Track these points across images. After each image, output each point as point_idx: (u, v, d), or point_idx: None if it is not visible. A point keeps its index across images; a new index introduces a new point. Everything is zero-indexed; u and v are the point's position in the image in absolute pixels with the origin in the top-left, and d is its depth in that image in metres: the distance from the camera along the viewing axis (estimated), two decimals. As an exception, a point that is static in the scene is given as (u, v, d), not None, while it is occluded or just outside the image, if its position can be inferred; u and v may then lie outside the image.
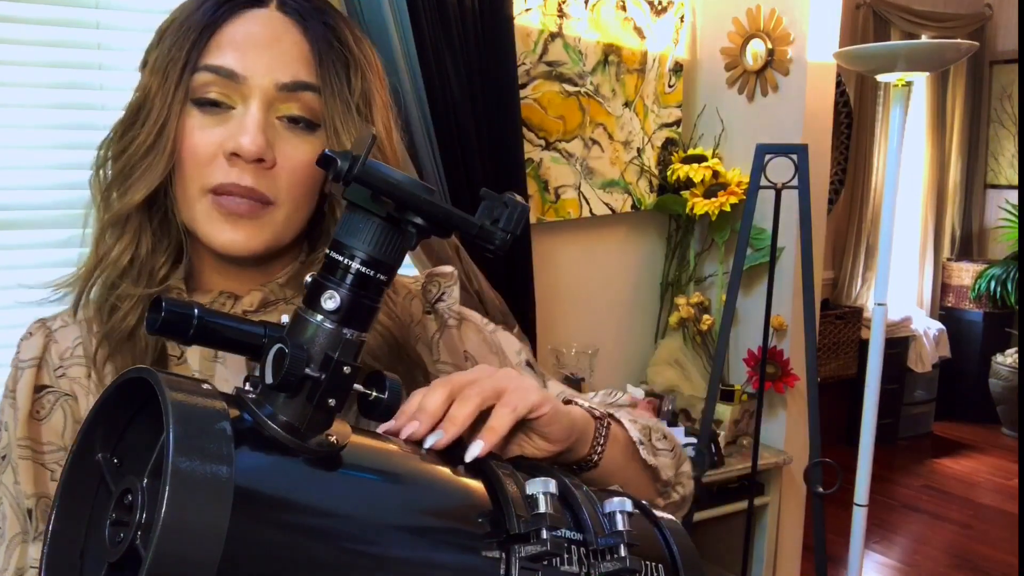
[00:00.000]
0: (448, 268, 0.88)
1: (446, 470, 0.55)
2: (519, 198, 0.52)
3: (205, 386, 0.45)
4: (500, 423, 0.59)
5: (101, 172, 0.75)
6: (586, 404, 0.73)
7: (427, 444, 0.56)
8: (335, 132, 0.72)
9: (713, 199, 2.47)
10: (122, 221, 0.73)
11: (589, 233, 2.54)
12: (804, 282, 2.14)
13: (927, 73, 2.01)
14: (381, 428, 0.57)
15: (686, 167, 2.53)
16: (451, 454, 0.58)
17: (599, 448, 0.70)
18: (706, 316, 2.55)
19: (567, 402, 0.71)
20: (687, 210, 2.53)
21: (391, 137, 0.78)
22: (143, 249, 0.74)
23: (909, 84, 2.02)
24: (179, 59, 0.70)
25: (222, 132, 0.70)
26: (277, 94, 0.70)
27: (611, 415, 0.75)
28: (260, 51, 0.70)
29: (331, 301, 0.49)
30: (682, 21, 2.58)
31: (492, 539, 0.51)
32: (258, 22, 0.72)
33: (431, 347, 0.82)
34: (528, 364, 0.88)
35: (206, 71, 0.70)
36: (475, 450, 0.57)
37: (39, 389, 0.74)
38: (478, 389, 0.59)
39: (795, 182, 2.11)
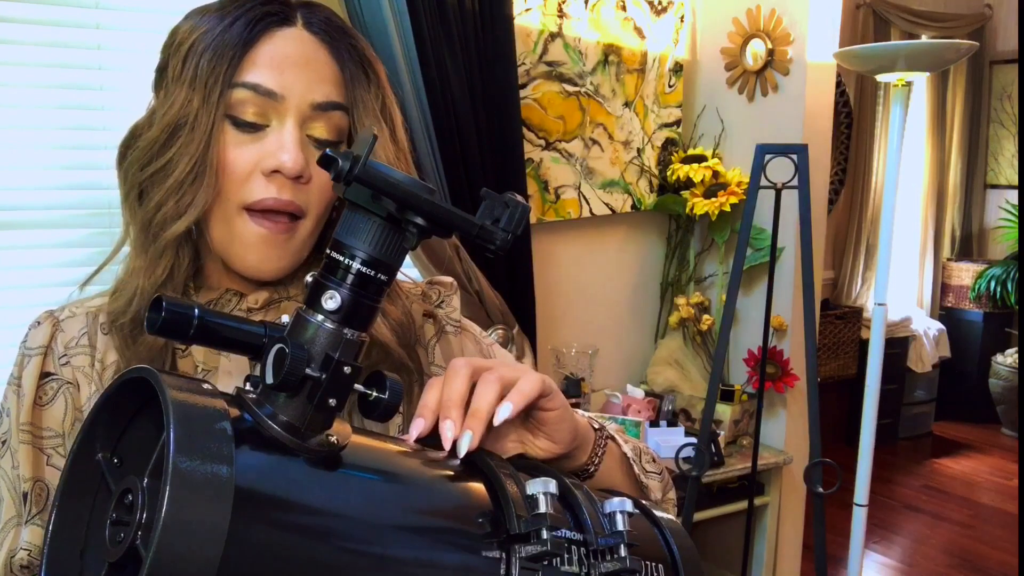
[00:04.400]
0: (448, 278, 0.90)
1: (446, 470, 0.55)
2: (520, 198, 0.52)
3: (206, 386, 0.45)
4: (529, 387, 0.59)
5: (132, 195, 0.74)
6: (585, 416, 0.73)
7: (461, 452, 0.55)
8: None
9: (713, 199, 2.48)
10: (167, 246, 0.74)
11: (589, 233, 2.54)
12: (804, 282, 2.14)
13: (927, 73, 2.01)
14: (412, 434, 0.57)
15: (686, 167, 2.53)
16: (453, 453, 0.58)
17: (597, 459, 0.70)
18: (706, 316, 2.55)
19: None
20: (687, 210, 2.53)
21: (408, 151, 0.80)
22: (180, 264, 0.75)
23: (909, 84, 2.02)
24: (218, 77, 0.70)
25: (258, 150, 0.72)
26: (311, 113, 0.73)
27: (606, 429, 0.76)
28: (296, 71, 0.72)
29: (332, 301, 0.49)
30: (682, 21, 2.58)
31: (492, 539, 0.51)
32: (291, 41, 0.73)
33: (427, 350, 0.84)
34: None
35: (243, 88, 0.71)
36: (504, 412, 0.57)
37: (43, 376, 0.76)
38: (498, 374, 0.59)
39: (795, 182, 2.11)
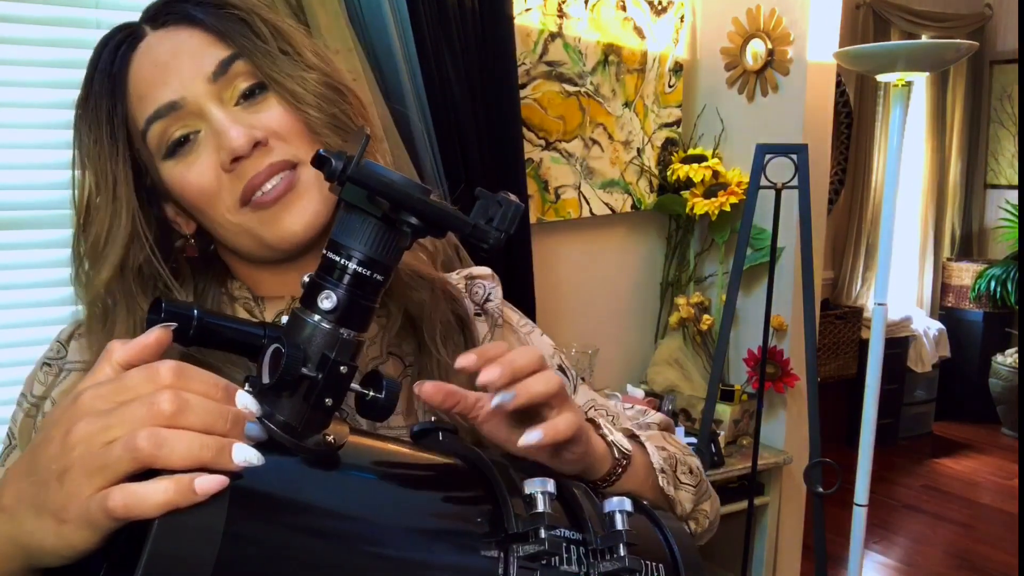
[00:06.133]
0: (486, 269, 0.89)
1: (445, 470, 0.55)
2: (513, 197, 0.52)
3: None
4: (570, 422, 0.60)
5: (80, 271, 0.73)
6: (610, 435, 0.69)
7: (495, 401, 0.56)
8: (275, 82, 0.71)
9: (713, 199, 2.47)
10: (106, 296, 0.71)
11: (589, 233, 2.54)
12: (804, 282, 2.14)
13: (927, 73, 2.01)
14: (459, 361, 0.57)
15: (686, 167, 2.53)
16: (451, 453, 0.58)
17: (610, 480, 0.68)
18: (706, 316, 2.55)
19: (592, 421, 0.69)
20: (687, 210, 2.53)
21: (329, 59, 0.76)
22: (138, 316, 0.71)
23: (909, 84, 2.01)
24: (101, 121, 0.71)
25: (207, 157, 0.70)
26: (215, 85, 0.70)
27: (638, 440, 0.73)
28: (173, 67, 0.70)
29: (327, 301, 0.49)
30: (682, 21, 2.58)
31: (491, 538, 0.51)
32: (151, 51, 0.72)
33: None
34: (560, 368, 0.87)
35: (150, 124, 0.70)
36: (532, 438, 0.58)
37: None
38: (558, 383, 0.60)
39: (795, 182, 2.11)
